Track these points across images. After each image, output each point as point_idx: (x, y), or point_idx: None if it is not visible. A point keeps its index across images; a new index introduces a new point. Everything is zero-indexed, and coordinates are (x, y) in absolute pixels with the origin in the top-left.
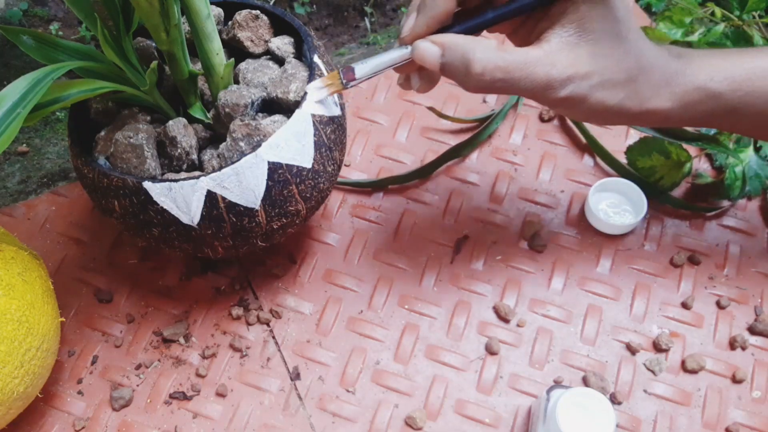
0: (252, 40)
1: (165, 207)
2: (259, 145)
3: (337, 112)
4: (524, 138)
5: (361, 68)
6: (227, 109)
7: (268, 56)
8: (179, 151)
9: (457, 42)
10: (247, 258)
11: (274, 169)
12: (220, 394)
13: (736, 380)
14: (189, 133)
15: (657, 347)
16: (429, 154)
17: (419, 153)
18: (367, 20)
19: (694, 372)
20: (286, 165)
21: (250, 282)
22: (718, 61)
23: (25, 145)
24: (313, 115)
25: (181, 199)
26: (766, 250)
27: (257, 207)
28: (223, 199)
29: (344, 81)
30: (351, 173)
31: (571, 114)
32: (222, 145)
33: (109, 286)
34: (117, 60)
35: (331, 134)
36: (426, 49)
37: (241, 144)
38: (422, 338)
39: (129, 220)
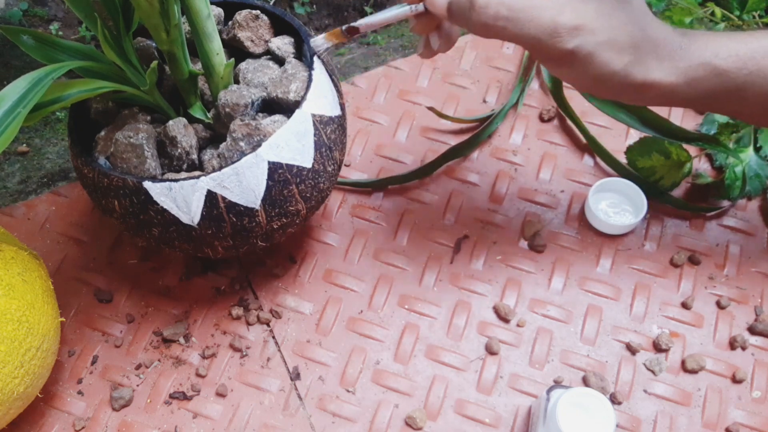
0: (252, 40)
1: (165, 207)
2: (259, 145)
3: (337, 112)
4: (524, 138)
5: (364, 22)
6: (227, 109)
7: (269, 56)
8: (179, 150)
9: None
10: (247, 258)
11: (274, 169)
12: (220, 394)
13: (736, 380)
14: (189, 133)
15: (657, 347)
16: (429, 154)
17: (419, 153)
18: None
19: (694, 372)
20: (287, 165)
21: (250, 282)
22: (723, 39)
23: (25, 145)
24: (314, 115)
25: (181, 198)
26: (766, 250)
27: (257, 207)
28: (223, 198)
29: (345, 32)
30: (351, 173)
31: (573, 76)
32: (222, 145)
33: (109, 286)
34: (117, 60)
35: (331, 134)
36: None
37: (242, 144)
38: (422, 338)
39: (129, 219)
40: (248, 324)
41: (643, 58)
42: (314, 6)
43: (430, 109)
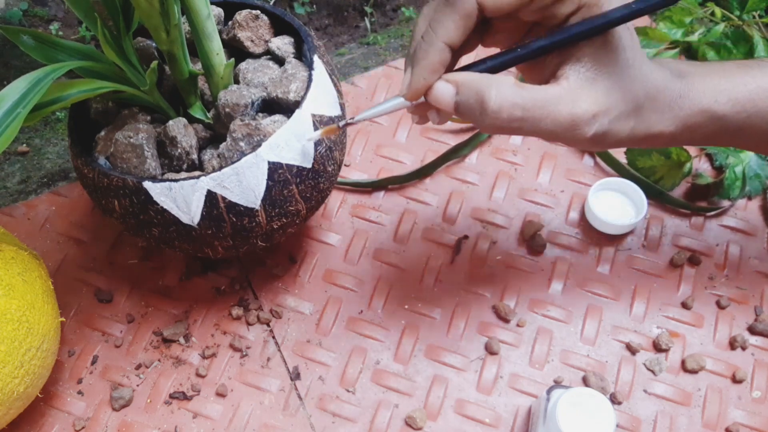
0: (252, 40)
1: (165, 207)
2: (259, 144)
3: (337, 111)
4: (524, 138)
5: (361, 117)
6: (227, 109)
7: (268, 56)
8: (179, 151)
9: (471, 79)
10: (247, 258)
11: (274, 169)
12: (220, 394)
13: (736, 380)
14: (189, 133)
15: (657, 347)
16: (429, 154)
17: (419, 153)
18: (367, 20)
19: (694, 372)
20: (287, 165)
21: (250, 282)
22: (720, 81)
23: (25, 145)
24: (313, 115)
25: (181, 198)
26: (766, 250)
27: (257, 207)
28: (224, 198)
29: (342, 128)
30: (351, 173)
31: (585, 147)
32: (222, 145)
33: (109, 286)
34: (117, 60)
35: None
36: (439, 89)
37: (242, 144)
38: (422, 338)
39: (129, 220)
40: (248, 324)
41: (645, 117)
42: (314, 6)
43: None
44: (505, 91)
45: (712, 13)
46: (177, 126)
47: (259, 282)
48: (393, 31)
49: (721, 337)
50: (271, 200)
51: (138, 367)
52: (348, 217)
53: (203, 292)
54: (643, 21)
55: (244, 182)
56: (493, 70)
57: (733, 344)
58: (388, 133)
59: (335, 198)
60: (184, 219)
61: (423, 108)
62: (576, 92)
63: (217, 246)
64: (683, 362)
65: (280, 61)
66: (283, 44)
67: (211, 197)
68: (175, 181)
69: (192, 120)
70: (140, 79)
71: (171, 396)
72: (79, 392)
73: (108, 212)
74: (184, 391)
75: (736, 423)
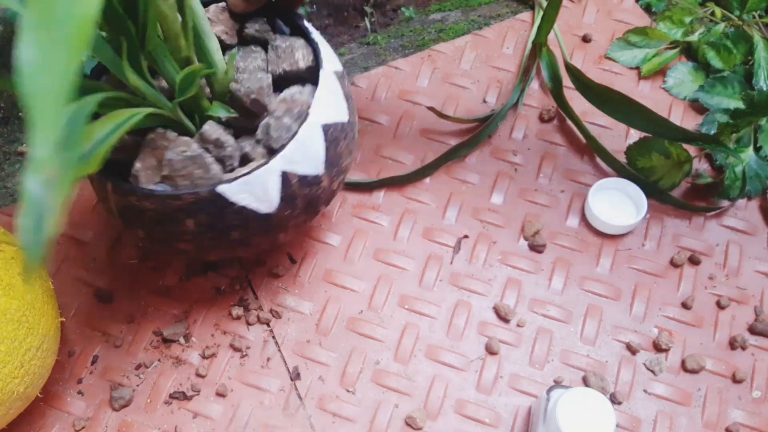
0: (226, 33)
1: (243, 204)
2: (304, 114)
3: (341, 67)
4: (524, 138)
5: None
6: (253, 96)
7: (246, 43)
8: (228, 149)
9: None
10: (246, 258)
11: (326, 130)
12: (220, 394)
13: (736, 380)
14: (225, 132)
15: (657, 347)
16: (429, 154)
17: (419, 153)
18: (367, 20)
19: (694, 372)
20: (334, 123)
21: (250, 282)
22: None
23: (25, 145)
24: (335, 72)
25: (260, 188)
26: (766, 250)
27: (322, 172)
28: (295, 174)
29: None
30: (351, 173)
31: None
32: (259, 132)
33: (109, 286)
34: (141, 85)
35: (348, 87)
36: None
37: (285, 120)
38: (422, 338)
39: (205, 235)
40: (248, 324)
41: None
42: (314, 6)
43: (430, 109)
44: None
45: (712, 13)
46: (212, 128)
47: (259, 282)
48: (393, 31)
49: (721, 337)
50: (329, 162)
51: (138, 367)
52: (348, 217)
53: (203, 292)
54: (643, 20)
55: (308, 151)
56: None
57: (733, 344)
58: (388, 133)
59: (335, 198)
60: (263, 209)
61: None
62: None
63: (291, 227)
64: (683, 362)
65: (261, 43)
66: (258, 26)
67: (284, 177)
68: (249, 173)
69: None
70: (161, 99)
71: (171, 396)
72: (79, 392)
73: (177, 237)
74: (184, 391)
75: (736, 423)
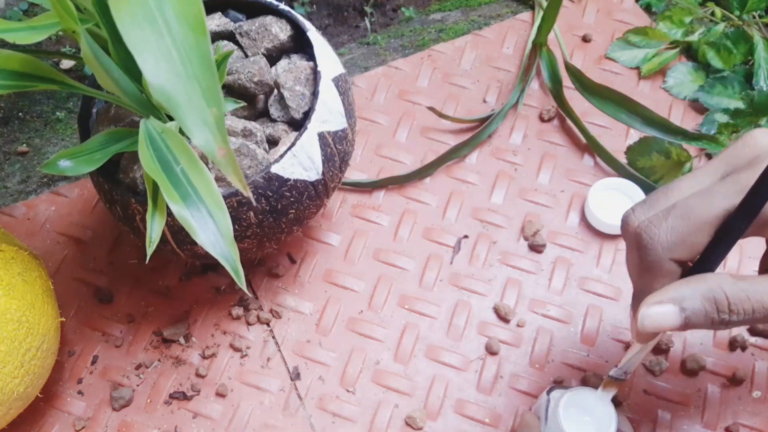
0: None
1: (295, 177)
2: (309, 78)
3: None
4: (524, 138)
5: (618, 371)
6: (256, 79)
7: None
8: (258, 134)
9: (687, 288)
10: (246, 258)
11: (336, 82)
12: (220, 394)
13: (735, 380)
14: (247, 120)
15: (657, 347)
16: (429, 154)
17: (419, 153)
18: (367, 20)
19: (694, 372)
20: (338, 75)
21: (250, 282)
22: None
23: (25, 145)
24: (317, 31)
25: (305, 156)
26: (765, 250)
27: (346, 125)
28: (329, 133)
29: (615, 377)
30: (351, 173)
31: None
32: (272, 110)
33: (109, 286)
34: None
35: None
36: (659, 315)
37: (298, 88)
38: (422, 338)
39: (266, 221)
40: (248, 324)
41: None
42: (314, 6)
43: (430, 109)
44: (731, 288)
45: (712, 13)
46: (235, 121)
47: (259, 282)
48: (393, 31)
49: (721, 337)
50: (347, 113)
51: (138, 367)
52: (348, 217)
53: (203, 292)
54: (643, 20)
55: (331, 108)
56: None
57: (733, 344)
58: (388, 133)
59: (335, 198)
60: (312, 177)
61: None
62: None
63: (331, 189)
64: (683, 362)
65: (226, 37)
66: (218, 21)
67: (322, 139)
68: (292, 145)
69: None
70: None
71: (171, 396)
72: (79, 392)
73: (239, 238)
74: (184, 391)
75: (736, 423)
